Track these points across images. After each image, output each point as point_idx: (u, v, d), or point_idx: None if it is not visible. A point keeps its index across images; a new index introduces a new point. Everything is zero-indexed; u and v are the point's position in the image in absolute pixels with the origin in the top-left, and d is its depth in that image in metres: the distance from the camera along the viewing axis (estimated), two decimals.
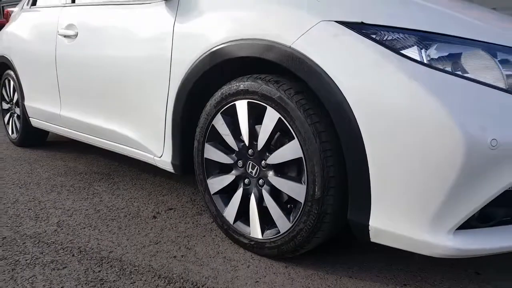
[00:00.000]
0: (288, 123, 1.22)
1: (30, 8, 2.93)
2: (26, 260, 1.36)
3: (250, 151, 1.37)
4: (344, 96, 1.07)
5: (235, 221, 1.44)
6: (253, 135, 1.35)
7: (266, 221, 1.35)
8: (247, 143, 1.37)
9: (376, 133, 1.04)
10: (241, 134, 1.38)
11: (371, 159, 1.06)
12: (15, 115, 3.15)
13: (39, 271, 1.28)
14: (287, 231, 1.27)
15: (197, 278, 1.25)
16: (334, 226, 1.22)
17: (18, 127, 3.11)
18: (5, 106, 3.32)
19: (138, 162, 2.60)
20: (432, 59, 1.05)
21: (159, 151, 1.73)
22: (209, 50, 1.40)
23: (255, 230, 1.37)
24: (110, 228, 1.62)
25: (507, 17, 1.51)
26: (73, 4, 2.33)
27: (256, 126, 1.35)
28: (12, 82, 3.08)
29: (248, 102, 1.32)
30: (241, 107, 1.35)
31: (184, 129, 1.60)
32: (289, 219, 1.27)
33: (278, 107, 1.24)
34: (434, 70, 1.01)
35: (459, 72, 1.04)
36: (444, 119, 0.95)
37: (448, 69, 1.04)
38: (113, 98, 1.91)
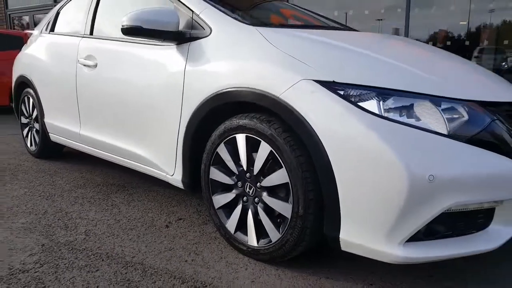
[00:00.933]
0: (278, 155, 1.52)
1: (49, 33, 3.23)
2: (65, 264, 1.67)
3: (247, 174, 1.68)
4: (319, 138, 1.37)
5: (235, 231, 1.75)
6: (250, 161, 1.66)
7: (261, 232, 1.65)
8: (245, 168, 1.67)
9: (343, 167, 1.34)
10: (240, 160, 1.69)
11: (339, 186, 1.36)
12: (34, 129, 3.45)
13: (77, 273, 1.59)
14: (277, 240, 1.58)
15: (205, 278, 1.55)
16: (314, 237, 1.52)
17: (37, 141, 3.42)
18: (24, 120, 3.62)
19: (149, 175, 2.90)
20: (389, 109, 1.35)
21: (171, 170, 2.04)
22: (214, 93, 1.70)
23: (251, 239, 1.68)
24: (130, 236, 1.93)
25: (457, 61, 1.81)
26: (91, 36, 2.63)
27: (253, 154, 1.65)
28: (31, 100, 3.39)
29: (246, 136, 1.63)
30: (240, 139, 1.65)
31: (193, 153, 1.91)
32: (279, 231, 1.58)
33: (269, 142, 1.54)
34: (386, 121, 1.31)
35: (411, 120, 1.34)
36: (392, 160, 1.26)
37: (402, 117, 1.34)
38: (130, 122, 2.22)
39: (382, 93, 1.37)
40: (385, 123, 1.31)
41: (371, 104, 1.35)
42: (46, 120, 3.16)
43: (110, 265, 1.65)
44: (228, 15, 1.85)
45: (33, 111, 3.41)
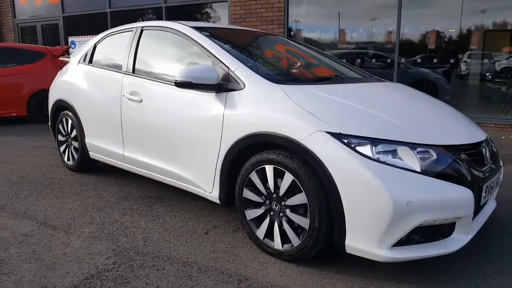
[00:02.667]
0: (299, 183, 2.08)
1: (88, 64, 3.75)
2: (137, 264, 2.21)
3: (274, 195, 2.24)
4: (330, 172, 1.94)
5: (264, 238, 2.31)
6: (276, 186, 2.21)
7: (284, 238, 2.21)
8: (272, 190, 2.23)
9: (347, 193, 1.90)
10: (268, 184, 2.24)
11: (345, 206, 1.93)
12: (72, 147, 3.97)
13: (149, 271, 2.13)
14: (298, 245, 2.14)
15: (245, 273, 2.11)
16: (325, 243, 2.08)
17: (75, 157, 3.93)
18: (61, 138, 4.12)
19: (180, 189, 3.44)
20: (379, 152, 1.92)
21: (209, 189, 2.59)
22: (248, 134, 2.26)
23: (277, 244, 2.23)
24: (180, 242, 2.47)
25: (435, 107, 2.39)
26: (133, 74, 3.15)
27: (278, 179, 2.21)
28: (70, 121, 3.90)
29: (273, 167, 2.19)
30: (269, 169, 2.21)
31: (228, 176, 2.46)
32: (299, 238, 2.14)
33: (292, 173, 2.10)
34: (377, 162, 1.88)
35: (394, 161, 1.91)
36: (381, 190, 1.82)
37: (387, 159, 1.91)
38: (174, 149, 2.75)
39: (374, 142, 1.94)
40: (375, 164, 1.88)
41: (366, 149, 1.92)
42: (87, 140, 3.68)
43: (172, 264, 2.20)
44: (257, 73, 2.41)
45: (71, 131, 3.92)
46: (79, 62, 3.90)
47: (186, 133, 2.64)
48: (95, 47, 3.79)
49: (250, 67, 2.46)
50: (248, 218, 2.38)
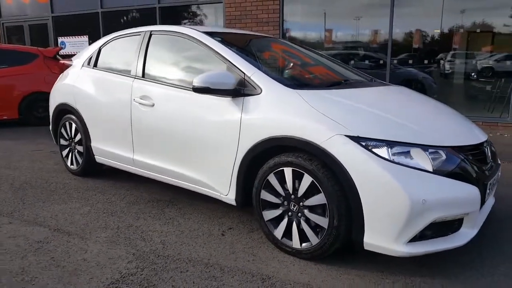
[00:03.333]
0: (318, 184, 2.17)
1: (93, 68, 3.76)
2: (159, 267, 2.26)
3: (292, 196, 2.32)
4: (349, 174, 2.04)
5: (282, 237, 2.39)
6: (294, 187, 2.30)
7: (303, 237, 2.30)
8: (291, 191, 2.32)
9: (366, 193, 2.01)
10: (286, 186, 2.33)
11: (364, 205, 2.03)
12: (76, 151, 3.97)
13: (173, 273, 2.19)
14: (316, 244, 2.23)
15: (267, 272, 2.19)
16: (343, 241, 2.19)
17: (79, 161, 3.94)
18: (64, 142, 4.12)
19: (187, 191, 3.49)
20: (394, 154, 2.03)
21: (225, 191, 2.66)
22: (266, 137, 2.34)
23: (296, 243, 2.32)
24: (198, 243, 2.54)
25: (440, 110, 2.52)
26: (143, 78, 3.19)
27: (296, 181, 2.30)
28: (74, 125, 3.90)
29: (292, 169, 2.28)
30: (288, 172, 2.30)
31: (245, 178, 2.53)
32: (318, 237, 2.23)
33: (311, 174, 2.19)
34: (392, 163, 1.99)
35: (408, 161, 2.02)
36: (398, 190, 1.93)
37: (402, 160, 2.02)
38: (189, 153, 2.80)
39: (390, 144, 2.05)
40: (392, 165, 1.99)
41: (383, 151, 2.03)
42: (93, 144, 3.70)
43: (194, 266, 2.27)
44: (273, 78, 2.49)
45: (75, 135, 3.93)
46: (82, 65, 3.90)
47: (202, 137, 2.70)
48: (99, 50, 3.80)
49: (266, 72, 2.54)
50: (266, 218, 2.46)
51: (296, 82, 2.61)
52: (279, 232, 2.41)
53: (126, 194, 3.48)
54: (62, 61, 4.29)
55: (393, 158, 2.02)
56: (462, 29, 6.96)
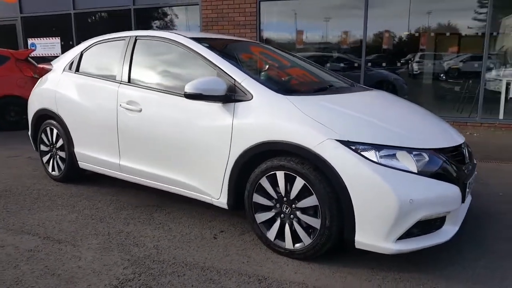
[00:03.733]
0: (310, 186, 2.26)
1: (74, 73, 3.71)
2: (157, 272, 2.29)
3: (284, 199, 2.40)
4: (340, 176, 2.14)
5: (274, 239, 2.47)
6: (287, 189, 2.38)
7: (295, 238, 2.39)
8: (283, 194, 2.40)
9: (357, 194, 2.11)
10: (278, 189, 2.41)
11: (355, 206, 2.13)
12: (57, 157, 3.91)
13: (171, 278, 2.22)
14: (309, 244, 2.32)
15: (263, 273, 2.26)
16: (334, 241, 2.28)
17: (61, 167, 3.87)
18: (45, 148, 4.03)
19: (174, 195, 3.50)
20: (381, 156, 2.15)
21: (216, 195, 2.70)
22: (257, 143, 2.40)
23: (289, 243, 2.40)
24: (192, 247, 2.58)
25: (422, 115, 2.67)
26: (129, 84, 3.18)
27: (288, 183, 2.38)
28: (55, 131, 3.83)
29: (284, 173, 2.35)
30: (280, 175, 2.37)
31: (236, 182, 2.59)
32: (310, 237, 2.32)
33: (303, 177, 2.28)
34: (380, 165, 2.10)
35: (395, 163, 2.14)
36: (387, 190, 2.05)
37: (389, 162, 2.14)
38: (179, 157, 2.83)
39: (377, 147, 2.16)
40: (380, 167, 2.11)
41: (371, 155, 2.14)
42: (77, 150, 3.65)
43: (191, 270, 2.30)
44: (263, 84, 2.56)
45: (56, 141, 3.86)
46: (63, 70, 3.84)
47: (192, 142, 2.74)
48: (81, 55, 3.75)
49: (255, 79, 2.61)
50: (259, 221, 2.53)
51: (285, 88, 2.69)
52: (271, 234, 2.48)
53: (113, 200, 3.46)
54: (41, 66, 4.19)
55: (381, 161, 2.13)
56: (430, 30, 7.28)
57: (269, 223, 2.50)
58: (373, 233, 2.13)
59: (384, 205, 2.07)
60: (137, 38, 3.32)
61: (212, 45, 3.05)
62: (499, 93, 6.94)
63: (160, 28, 9.04)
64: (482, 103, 6.85)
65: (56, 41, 9.41)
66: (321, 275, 2.25)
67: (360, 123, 2.30)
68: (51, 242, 2.65)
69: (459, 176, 2.34)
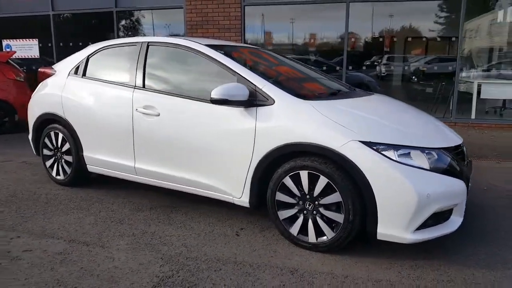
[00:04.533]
0: (333, 184, 2.46)
1: (82, 77, 3.74)
2: (193, 268, 2.41)
3: (307, 196, 2.59)
4: (364, 174, 2.35)
5: (297, 234, 2.65)
6: (310, 187, 2.57)
7: (318, 232, 2.58)
8: (306, 192, 2.58)
9: (379, 189, 2.33)
10: (301, 187, 2.59)
11: (377, 200, 2.35)
12: (63, 161, 3.91)
13: (208, 273, 2.35)
14: (332, 237, 2.52)
15: (292, 265, 2.44)
16: (356, 233, 2.50)
17: (67, 171, 3.89)
18: (48, 153, 4.02)
19: (184, 196, 3.60)
20: (399, 155, 2.38)
21: (238, 195, 2.86)
22: (282, 144, 2.58)
23: (312, 238, 2.59)
24: (218, 244, 2.71)
25: (426, 118, 2.94)
26: (145, 88, 3.27)
27: (311, 182, 2.56)
28: (61, 135, 3.84)
29: (308, 172, 2.54)
30: (304, 174, 2.56)
31: (259, 182, 2.76)
32: (333, 231, 2.52)
33: (327, 176, 2.48)
34: (400, 164, 2.33)
35: (411, 162, 2.38)
36: (407, 186, 2.28)
37: (406, 161, 2.37)
38: (200, 160, 2.95)
39: (395, 147, 2.40)
40: (399, 165, 2.34)
41: (391, 154, 2.37)
42: (86, 153, 3.68)
43: (224, 264, 2.45)
44: (283, 89, 2.74)
45: (62, 145, 3.87)
46: (69, 74, 3.85)
47: (214, 145, 2.87)
48: (88, 59, 3.79)
49: (275, 84, 2.79)
50: (281, 218, 2.70)
51: (301, 93, 2.88)
52: (294, 229, 2.66)
53: (125, 202, 3.53)
54: (42, 69, 4.17)
55: (399, 160, 2.36)
56: (403, 33, 7.73)
57: (292, 219, 2.68)
58: (394, 225, 2.36)
59: (404, 200, 2.30)
60: (149, 44, 3.41)
61: (226, 52, 3.19)
62: (471, 94, 7.45)
63: (143, 31, 9.02)
64: (456, 103, 7.33)
65: (33, 43, 9.16)
66: (345, 265, 2.45)
67: (376, 125, 2.53)
68: (78, 245, 2.71)
69: (463, 171, 2.61)
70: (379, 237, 2.42)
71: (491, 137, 6.43)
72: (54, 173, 4.01)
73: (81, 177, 3.90)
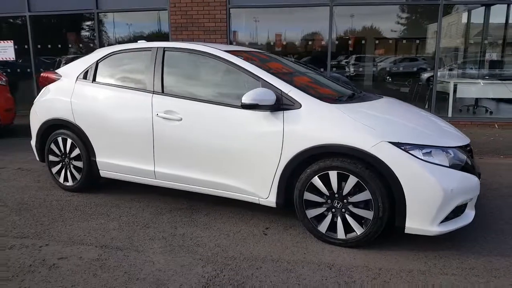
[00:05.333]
0: (363, 183, 2.63)
1: (92, 82, 3.71)
2: (235, 267, 2.49)
3: (336, 195, 2.74)
4: (394, 172, 2.53)
5: (326, 231, 2.80)
6: (339, 187, 2.72)
7: (347, 229, 2.74)
8: (335, 191, 2.73)
9: (408, 186, 2.51)
10: (331, 186, 2.74)
11: (406, 197, 2.54)
12: (71, 166, 3.86)
13: (251, 271, 2.45)
14: (361, 233, 2.68)
15: (326, 261, 2.58)
16: (383, 228, 2.68)
17: (77, 176, 3.85)
18: (55, 159, 3.95)
19: (200, 197, 3.66)
20: (423, 154, 2.58)
21: (265, 195, 2.97)
22: (311, 146, 2.71)
23: (341, 234, 2.75)
24: (250, 243, 2.81)
25: (437, 120, 3.17)
26: (164, 93, 3.31)
27: (340, 181, 2.72)
28: (69, 141, 3.80)
29: (337, 172, 2.69)
30: (333, 174, 2.71)
31: (286, 183, 2.88)
32: (362, 227, 2.68)
33: (356, 175, 2.64)
34: (426, 162, 2.53)
35: (434, 160, 2.58)
36: (435, 183, 2.48)
37: (430, 159, 2.57)
38: (225, 162, 3.04)
39: (420, 147, 2.59)
40: (425, 163, 2.53)
41: (417, 153, 2.56)
42: (99, 159, 3.66)
43: (264, 262, 2.55)
44: (308, 93, 2.88)
45: (70, 150, 3.82)
46: (77, 79, 3.81)
47: (240, 148, 2.96)
48: (97, 65, 3.76)
49: (300, 89, 2.92)
50: (309, 216, 2.84)
51: (323, 96, 3.03)
52: (323, 227, 2.81)
53: (142, 206, 3.54)
54: (45, 74, 4.09)
55: (424, 158, 2.56)
56: (387, 36, 8.10)
57: (319, 217, 2.82)
58: (421, 219, 2.55)
59: (431, 195, 2.50)
60: (165, 49, 3.45)
61: (244, 57, 3.29)
62: (446, 93, 7.91)
63: (125, 33, 8.89)
64: (435, 102, 7.76)
65: (8, 45, 8.80)
66: (376, 258, 2.62)
67: (400, 126, 2.72)
68: (112, 250, 2.72)
69: (475, 168, 2.85)
70: (407, 231, 2.61)
71: (470, 133, 6.87)
72: (61, 179, 3.95)
73: (92, 182, 3.87)
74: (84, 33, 9.01)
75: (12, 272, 2.42)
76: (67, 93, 3.79)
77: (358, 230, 2.70)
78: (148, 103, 3.34)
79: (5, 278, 2.36)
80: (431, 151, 2.62)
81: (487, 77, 7.97)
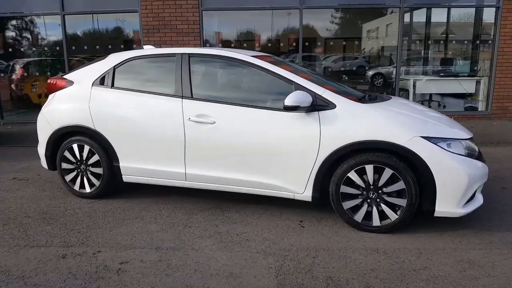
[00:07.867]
0: (398, 174, 2.95)
1: (112, 88, 3.70)
2: (294, 258, 2.69)
3: (371, 187, 3.05)
4: (427, 164, 2.88)
5: (362, 220, 3.09)
6: (374, 179, 3.03)
7: (381, 216, 3.05)
8: (371, 183, 3.04)
9: (437, 174, 2.87)
10: (366, 179, 3.04)
11: (437, 183, 2.90)
12: (89, 173, 3.82)
13: (310, 260, 2.67)
14: (395, 220, 3.01)
15: (370, 246, 2.87)
16: (414, 213, 3.03)
17: (95, 183, 3.81)
18: (68, 166, 3.87)
19: (224, 195, 3.80)
20: (447, 146, 2.96)
21: (301, 190, 3.20)
22: (349, 143, 2.99)
23: (376, 221, 3.06)
24: (293, 235, 3.02)
25: (444, 117, 3.60)
26: (194, 98, 3.41)
27: (375, 174, 3.02)
28: (87, 147, 3.75)
29: (373, 166, 3.00)
30: (369, 168, 3.01)
31: (322, 177, 3.13)
32: (396, 214, 3.02)
33: (391, 168, 2.96)
34: (451, 153, 2.92)
35: (455, 150, 2.97)
36: (461, 170, 2.87)
37: (452, 150, 2.96)
38: (260, 162, 3.22)
39: (444, 140, 2.97)
40: (451, 154, 2.92)
41: (444, 145, 2.94)
42: (122, 164, 3.66)
43: (317, 251, 2.78)
44: (340, 94, 3.16)
45: (88, 157, 3.77)
46: (93, 85, 3.76)
47: (277, 147, 3.16)
48: (114, 70, 3.75)
49: (332, 90, 3.19)
50: (345, 207, 3.12)
51: (352, 97, 3.32)
52: (359, 216, 3.10)
53: (171, 208, 3.61)
54: (52, 80, 3.97)
55: (449, 149, 2.95)
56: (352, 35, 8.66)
57: (354, 208, 3.11)
58: (449, 202, 2.93)
59: (458, 182, 2.89)
60: (190, 55, 3.54)
61: (269, 62, 3.48)
62: (407, 90, 8.65)
63: (94, 35, 8.62)
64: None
65: None
66: (411, 241, 2.97)
67: (424, 122, 3.08)
68: (168, 251, 2.80)
69: (482, 156, 3.30)
70: (436, 214, 2.98)
71: None
72: (76, 187, 3.88)
73: (112, 188, 3.85)
74: (52, 36, 8.60)
75: (82, 280, 2.43)
76: (84, 99, 3.73)
77: (392, 217, 3.03)
78: (178, 108, 3.42)
79: (79, 285, 2.37)
80: (451, 143, 3.01)
81: (442, 74, 8.80)
